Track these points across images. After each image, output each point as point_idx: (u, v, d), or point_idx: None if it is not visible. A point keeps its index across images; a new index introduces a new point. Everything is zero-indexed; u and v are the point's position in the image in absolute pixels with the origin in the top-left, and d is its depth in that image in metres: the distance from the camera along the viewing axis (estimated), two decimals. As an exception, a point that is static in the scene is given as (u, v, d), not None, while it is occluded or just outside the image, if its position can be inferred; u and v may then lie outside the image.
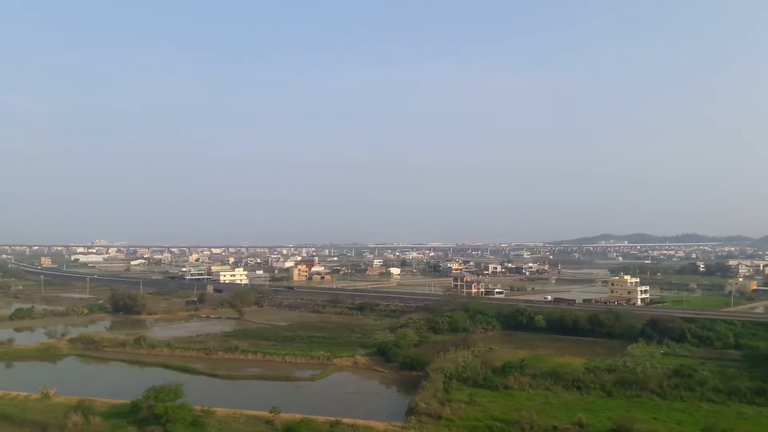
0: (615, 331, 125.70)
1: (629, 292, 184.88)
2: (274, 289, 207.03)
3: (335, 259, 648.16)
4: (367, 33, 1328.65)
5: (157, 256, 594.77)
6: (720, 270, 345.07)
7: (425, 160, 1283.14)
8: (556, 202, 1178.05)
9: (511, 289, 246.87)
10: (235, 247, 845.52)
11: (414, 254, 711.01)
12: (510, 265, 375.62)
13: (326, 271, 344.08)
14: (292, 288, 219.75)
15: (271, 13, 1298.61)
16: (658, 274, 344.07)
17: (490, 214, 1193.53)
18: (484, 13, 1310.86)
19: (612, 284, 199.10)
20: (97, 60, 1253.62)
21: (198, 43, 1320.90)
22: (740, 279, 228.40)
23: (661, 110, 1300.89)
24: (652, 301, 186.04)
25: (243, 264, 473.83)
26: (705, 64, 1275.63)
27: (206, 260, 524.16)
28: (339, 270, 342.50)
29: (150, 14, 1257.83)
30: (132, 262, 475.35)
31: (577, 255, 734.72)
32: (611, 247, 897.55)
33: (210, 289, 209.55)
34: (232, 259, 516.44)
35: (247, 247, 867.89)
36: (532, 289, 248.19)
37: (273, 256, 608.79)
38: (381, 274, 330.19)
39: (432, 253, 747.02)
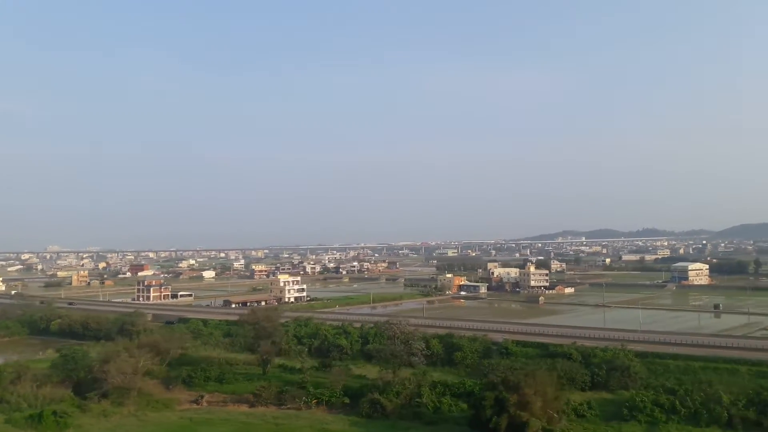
0: (100, 335, 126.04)
1: (280, 291, 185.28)
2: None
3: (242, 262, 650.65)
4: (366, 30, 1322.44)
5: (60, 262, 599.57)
6: (544, 265, 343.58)
7: (411, 158, 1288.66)
8: (535, 199, 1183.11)
9: (254, 290, 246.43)
10: (171, 250, 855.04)
11: (331, 255, 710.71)
12: (331, 265, 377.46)
13: (149, 273, 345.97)
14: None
15: (267, 13, 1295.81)
16: (479, 270, 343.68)
17: (472, 213, 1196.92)
18: (479, 12, 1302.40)
19: (271, 284, 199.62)
20: (94, 66, 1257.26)
21: (195, 47, 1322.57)
22: (448, 276, 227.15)
23: (630, 109, 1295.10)
24: (312, 299, 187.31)
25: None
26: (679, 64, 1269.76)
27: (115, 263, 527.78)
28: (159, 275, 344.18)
29: (149, 21, 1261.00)
30: (9, 269, 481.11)
31: (494, 252, 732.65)
32: (552, 243, 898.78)
33: None
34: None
35: (198, 251, 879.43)
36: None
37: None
38: (191, 277, 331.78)
39: (354, 253, 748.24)
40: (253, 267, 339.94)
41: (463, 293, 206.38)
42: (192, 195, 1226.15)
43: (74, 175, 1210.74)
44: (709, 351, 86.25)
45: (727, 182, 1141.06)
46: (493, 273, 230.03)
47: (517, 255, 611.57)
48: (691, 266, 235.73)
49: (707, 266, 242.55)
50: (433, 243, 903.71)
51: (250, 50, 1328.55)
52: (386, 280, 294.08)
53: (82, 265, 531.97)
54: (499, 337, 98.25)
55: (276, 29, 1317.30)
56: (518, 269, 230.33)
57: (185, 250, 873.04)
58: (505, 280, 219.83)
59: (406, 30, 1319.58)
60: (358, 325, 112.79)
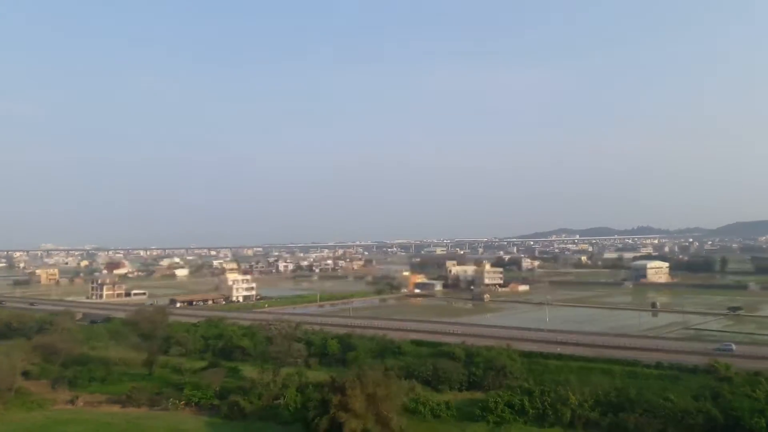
0: (22, 334, 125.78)
1: (229, 290, 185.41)
2: None
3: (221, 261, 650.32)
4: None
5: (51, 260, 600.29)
6: (514, 263, 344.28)
7: (410, 157, 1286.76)
8: (534, 198, 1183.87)
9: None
10: (164, 249, 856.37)
11: (320, 253, 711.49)
12: (305, 263, 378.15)
13: (124, 271, 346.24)
14: None
15: (262, 11, 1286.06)
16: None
17: (471, 211, 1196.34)
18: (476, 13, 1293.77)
19: (220, 282, 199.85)
20: (94, 65, 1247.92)
21: (190, 45, 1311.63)
22: (405, 274, 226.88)
23: (628, 108, 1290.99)
24: (261, 298, 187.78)
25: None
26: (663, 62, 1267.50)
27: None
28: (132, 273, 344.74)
29: (144, 20, 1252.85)
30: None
31: (481, 250, 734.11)
32: (544, 241, 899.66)
33: None
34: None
35: (191, 249, 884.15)
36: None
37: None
38: (164, 276, 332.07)
39: (341, 251, 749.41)
40: (224, 266, 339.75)
41: (417, 291, 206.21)
42: (192, 194, 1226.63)
43: (75, 175, 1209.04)
44: (596, 351, 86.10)
45: (725, 180, 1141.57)
46: (450, 271, 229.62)
47: (501, 253, 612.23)
48: (650, 264, 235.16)
49: (667, 264, 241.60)
50: (427, 241, 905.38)
51: (249, 49, 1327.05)
52: (354, 278, 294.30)
53: (66, 264, 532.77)
54: (403, 336, 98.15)
55: (273, 28, 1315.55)
56: (475, 267, 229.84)
57: (178, 248, 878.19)
58: (461, 278, 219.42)
59: (403, 29, 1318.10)
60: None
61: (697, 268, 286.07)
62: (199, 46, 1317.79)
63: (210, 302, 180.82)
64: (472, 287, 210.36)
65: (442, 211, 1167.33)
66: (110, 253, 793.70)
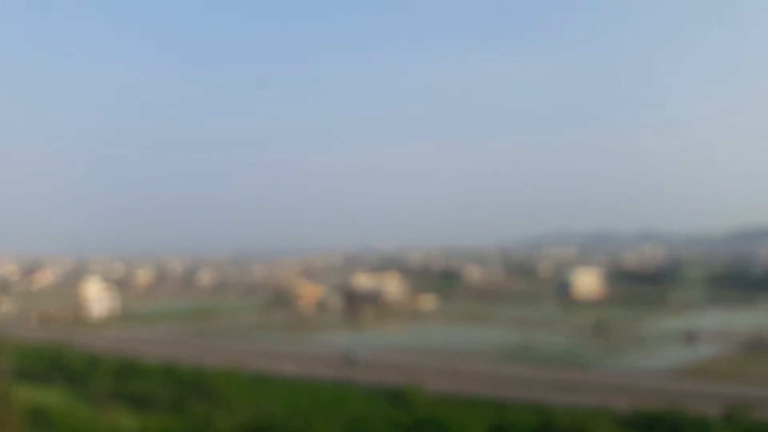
0: None
1: (89, 305, 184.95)
2: None
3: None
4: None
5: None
6: (455, 275, 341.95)
7: (406, 158, 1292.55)
8: (534, 201, 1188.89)
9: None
10: (132, 254, 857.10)
11: (287, 259, 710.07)
12: (233, 274, 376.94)
13: (45, 280, 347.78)
14: None
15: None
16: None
17: (472, 214, 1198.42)
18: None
19: (79, 294, 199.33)
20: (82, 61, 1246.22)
21: (183, 43, 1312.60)
22: (299, 287, 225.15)
23: (632, 106, 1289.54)
24: (125, 314, 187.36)
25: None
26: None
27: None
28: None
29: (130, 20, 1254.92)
30: None
31: (460, 257, 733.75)
32: (531, 248, 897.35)
33: None
34: None
35: (146, 254, 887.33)
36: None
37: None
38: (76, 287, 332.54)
39: (304, 259, 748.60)
40: (138, 274, 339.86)
41: (305, 305, 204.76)
42: (175, 198, 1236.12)
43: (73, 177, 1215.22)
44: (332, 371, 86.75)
45: (737, 186, 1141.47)
46: (352, 282, 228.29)
47: (479, 259, 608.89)
48: (578, 276, 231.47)
49: (597, 276, 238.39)
50: (413, 245, 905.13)
51: (233, 47, 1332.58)
52: (275, 292, 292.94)
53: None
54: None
55: (260, 29, 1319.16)
56: (377, 279, 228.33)
57: (137, 254, 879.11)
58: (363, 290, 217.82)
59: (396, 25, 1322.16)
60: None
61: (647, 280, 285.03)
62: (191, 43, 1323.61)
63: (72, 318, 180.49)
64: (374, 300, 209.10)
65: (439, 213, 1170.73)
66: (69, 259, 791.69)
